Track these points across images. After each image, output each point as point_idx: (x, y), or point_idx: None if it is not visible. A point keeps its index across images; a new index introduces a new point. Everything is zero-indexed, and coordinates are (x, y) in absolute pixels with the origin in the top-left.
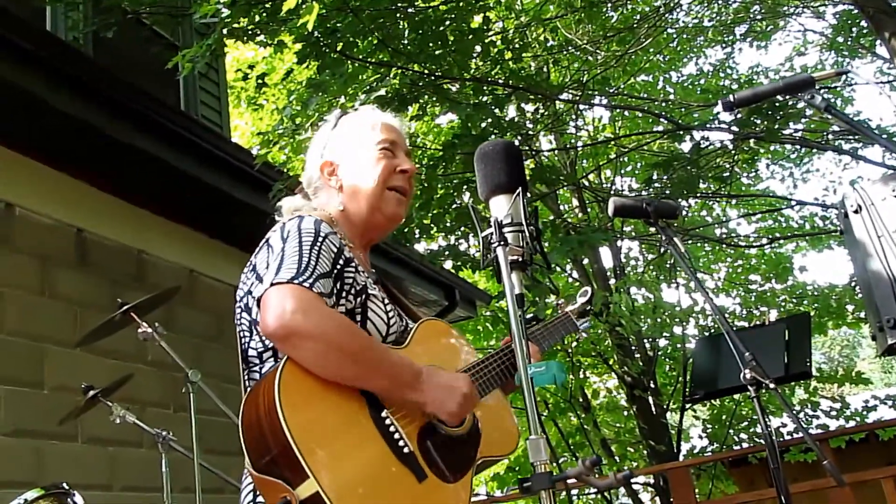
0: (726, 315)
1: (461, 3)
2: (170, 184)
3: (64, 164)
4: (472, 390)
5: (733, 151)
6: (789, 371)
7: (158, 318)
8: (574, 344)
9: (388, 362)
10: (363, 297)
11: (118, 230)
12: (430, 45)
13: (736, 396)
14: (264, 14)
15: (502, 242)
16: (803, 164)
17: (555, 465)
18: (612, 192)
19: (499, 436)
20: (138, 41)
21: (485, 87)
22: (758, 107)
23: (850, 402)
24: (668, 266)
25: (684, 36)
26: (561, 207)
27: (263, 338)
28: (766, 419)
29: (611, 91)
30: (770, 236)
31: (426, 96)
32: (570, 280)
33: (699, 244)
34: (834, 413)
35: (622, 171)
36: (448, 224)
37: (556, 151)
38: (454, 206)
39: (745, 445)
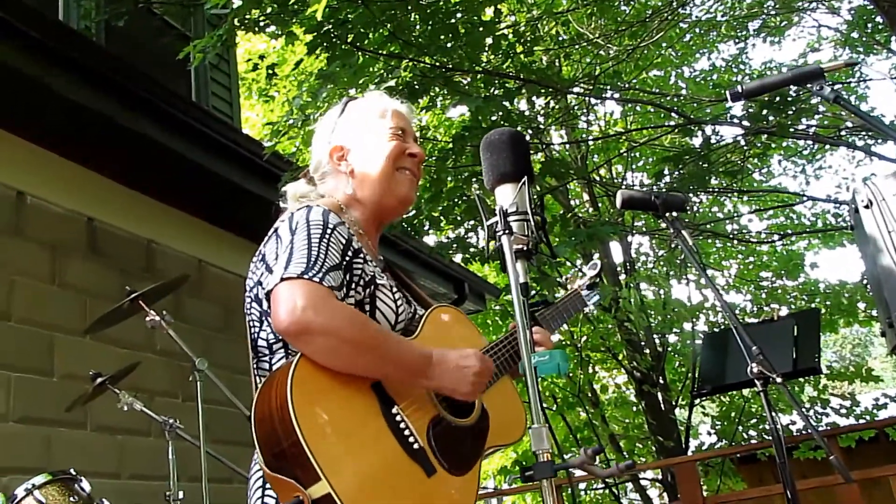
0: (737, 312)
1: None
2: (180, 174)
3: (75, 153)
4: (483, 364)
5: (745, 147)
6: (797, 366)
7: (167, 307)
8: (584, 339)
9: (398, 352)
10: (372, 287)
11: (128, 220)
12: (441, 37)
13: (745, 393)
14: (275, 5)
15: (507, 231)
16: (816, 160)
17: (560, 459)
18: (622, 187)
19: (507, 424)
20: (150, 31)
21: (496, 80)
22: (770, 101)
23: (861, 400)
24: (678, 262)
25: (697, 31)
26: (572, 202)
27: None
28: (774, 414)
29: (622, 86)
30: (781, 233)
31: (436, 88)
32: (581, 275)
33: (710, 240)
34: (844, 411)
35: (633, 167)
36: (458, 218)
37: (566, 146)
38: (464, 198)
39: (753, 442)
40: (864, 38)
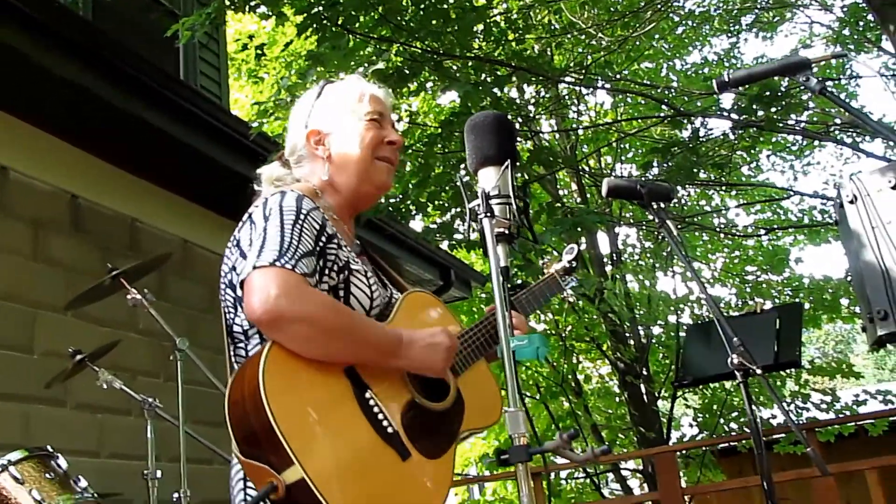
0: (721, 305)
1: None
2: (166, 152)
3: (60, 129)
4: (452, 339)
5: (734, 140)
6: (779, 359)
7: (151, 287)
8: (568, 329)
9: (370, 335)
10: (346, 272)
11: (113, 197)
12: (433, 21)
13: (727, 386)
14: None
15: (489, 214)
16: (804, 156)
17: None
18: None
19: (482, 407)
20: (137, 7)
21: (486, 67)
22: (759, 95)
23: (841, 396)
24: (664, 254)
25: (689, 23)
26: (560, 192)
27: None
28: (753, 406)
29: (613, 76)
30: (767, 227)
31: (426, 73)
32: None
33: (697, 233)
34: (824, 406)
35: (622, 158)
36: (445, 204)
37: (556, 135)
38: (451, 184)
39: (734, 435)
40: (855, 36)
